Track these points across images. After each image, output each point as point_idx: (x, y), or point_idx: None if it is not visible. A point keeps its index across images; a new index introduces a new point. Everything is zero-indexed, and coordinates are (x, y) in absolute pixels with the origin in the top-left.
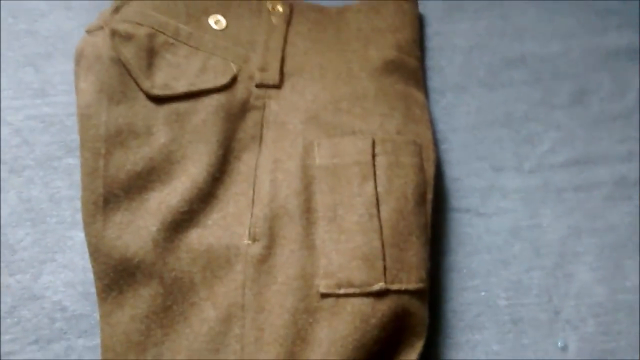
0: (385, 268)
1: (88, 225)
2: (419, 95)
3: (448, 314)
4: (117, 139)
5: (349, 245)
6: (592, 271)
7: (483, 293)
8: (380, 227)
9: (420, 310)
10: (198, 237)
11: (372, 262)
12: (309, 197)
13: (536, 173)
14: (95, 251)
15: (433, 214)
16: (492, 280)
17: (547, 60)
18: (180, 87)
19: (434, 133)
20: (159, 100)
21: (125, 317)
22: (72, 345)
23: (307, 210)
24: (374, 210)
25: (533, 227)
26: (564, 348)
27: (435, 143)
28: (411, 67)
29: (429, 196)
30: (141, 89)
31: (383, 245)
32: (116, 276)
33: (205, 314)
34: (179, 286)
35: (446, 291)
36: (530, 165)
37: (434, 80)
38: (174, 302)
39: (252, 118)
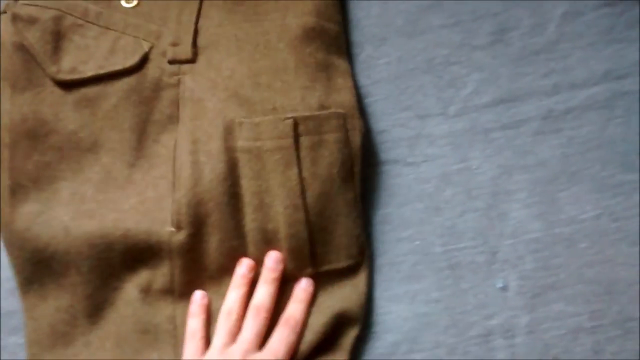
0: (312, 254)
1: None
2: (340, 62)
3: (384, 267)
4: (23, 127)
5: (278, 236)
6: (527, 208)
7: (418, 242)
8: (307, 216)
9: (354, 282)
10: (114, 223)
11: (299, 252)
12: (235, 182)
13: (462, 116)
14: (9, 245)
15: (360, 185)
16: (425, 229)
17: (464, 1)
18: (89, 71)
19: (359, 98)
20: (67, 85)
21: (50, 309)
22: (3, 344)
23: (234, 196)
24: (299, 201)
25: (463, 171)
26: (504, 288)
27: (361, 109)
28: (332, 34)
29: (357, 168)
30: (47, 74)
31: (310, 232)
32: (34, 268)
33: (129, 296)
34: (98, 273)
35: (380, 244)
36: (455, 109)
37: (352, 34)
38: (95, 289)
39: (167, 97)
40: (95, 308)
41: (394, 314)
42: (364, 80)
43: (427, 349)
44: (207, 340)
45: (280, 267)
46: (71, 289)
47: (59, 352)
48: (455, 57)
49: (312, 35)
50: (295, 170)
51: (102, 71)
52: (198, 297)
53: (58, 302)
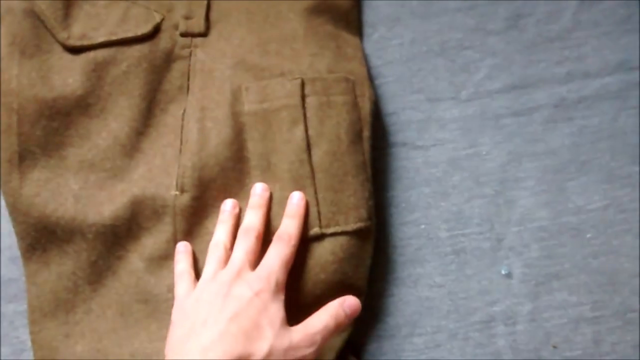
0: (319, 213)
1: (5, 184)
2: (350, 37)
3: (388, 249)
4: (31, 92)
5: (283, 194)
6: (534, 196)
7: (423, 226)
8: (312, 172)
9: (361, 250)
10: (121, 190)
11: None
12: (241, 146)
13: (473, 101)
14: (14, 210)
15: (370, 150)
16: (432, 213)
17: None
18: (100, 37)
19: (368, 70)
20: (76, 51)
21: (52, 275)
22: (2, 311)
23: (240, 160)
24: (305, 156)
25: (472, 156)
26: (509, 275)
27: (371, 79)
28: (343, 9)
29: (366, 133)
30: (57, 41)
31: (316, 190)
32: (38, 234)
33: (133, 266)
34: (103, 240)
35: (385, 227)
36: (467, 94)
37: (366, 14)
38: (99, 256)
39: (177, 68)
40: (98, 276)
41: (396, 296)
42: (375, 61)
43: (427, 333)
44: (196, 279)
45: (266, 194)
46: (75, 255)
47: (60, 319)
48: (469, 41)
49: (323, 8)
50: (301, 127)
51: (113, 37)
52: (181, 245)
53: (61, 268)
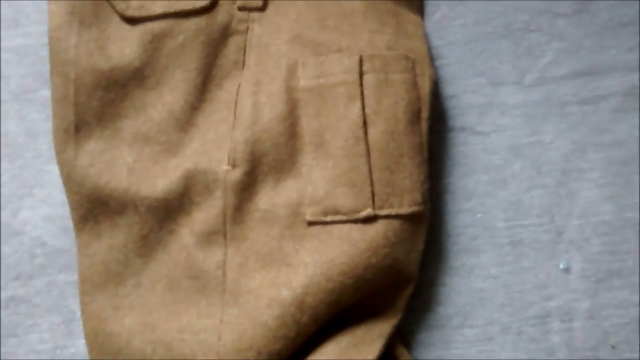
0: (373, 193)
1: (59, 153)
2: (411, 15)
3: (442, 237)
4: (88, 62)
5: (336, 171)
6: (598, 188)
7: (479, 215)
8: (368, 151)
9: (414, 235)
10: (175, 165)
11: (359, 188)
12: (294, 122)
13: (538, 87)
14: (68, 180)
15: (427, 132)
16: (489, 202)
17: None
18: (158, 8)
19: (429, 49)
20: (134, 22)
21: (103, 247)
22: (53, 281)
23: (293, 136)
24: (361, 133)
25: (534, 144)
26: (567, 269)
27: (432, 58)
28: None
29: (424, 114)
30: (115, 11)
31: (371, 170)
32: (91, 206)
33: (184, 241)
34: (155, 214)
35: (440, 214)
36: (531, 79)
37: None
38: (150, 230)
39: (234, 43)
40: (149, 249)
41: (448, 286)
42: (436, 41)
43: (479, 325)
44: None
45: None
46: (126, 228)
47: (110, 291)
48: (536, 24)
49: None
50: (358, 104)
51: (171, 9)
52: None
53: (112, 240)
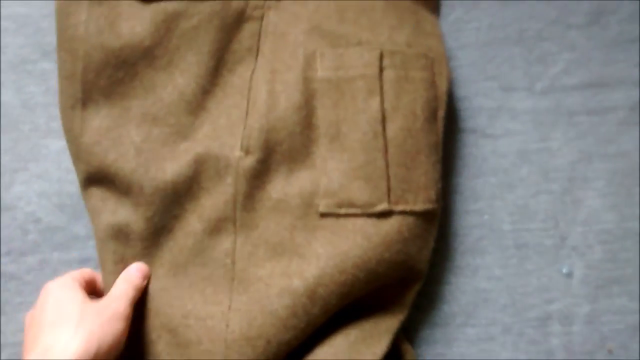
0: (389, 188)
1: (67, 131)
2: (428, 14)
3: (449, 237)
4: (98, 40)
5: (352, 165)
6: (602, 197)
7: (486, 216)
8: (385, 146)
9: (426, 232)
10: (185, 149)
11: (375, 183)
12: (310, 112)
13: (548, 94)
14: (76, 157)
15: (442, 132)
16: (496, 204)
17: None
18: None
19: (446, 49)
20: (147, 0)
21: (102, 223)
22: (46, 259)
23: (308, 127)
24: (379, 128)
25: (542, 150)
26: (569, 274)
27: (449, 60)
28: None
29: (441, 113)
30: None
31: (387, 165)
32: (98, 182)
33: (190, 227)
34: (162, 197)
35: (448, 214)
36: (542, 86)
37: None
38: (155, 213)
39: (248, 29)
40: (152, 234)
41: (453, 285)
42: (450, 42)
43: (482, 324)
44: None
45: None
46: (132, 208)
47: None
48: (548, 32)
49: None
50: (377, 99)
51: None
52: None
53: (115, 217)
